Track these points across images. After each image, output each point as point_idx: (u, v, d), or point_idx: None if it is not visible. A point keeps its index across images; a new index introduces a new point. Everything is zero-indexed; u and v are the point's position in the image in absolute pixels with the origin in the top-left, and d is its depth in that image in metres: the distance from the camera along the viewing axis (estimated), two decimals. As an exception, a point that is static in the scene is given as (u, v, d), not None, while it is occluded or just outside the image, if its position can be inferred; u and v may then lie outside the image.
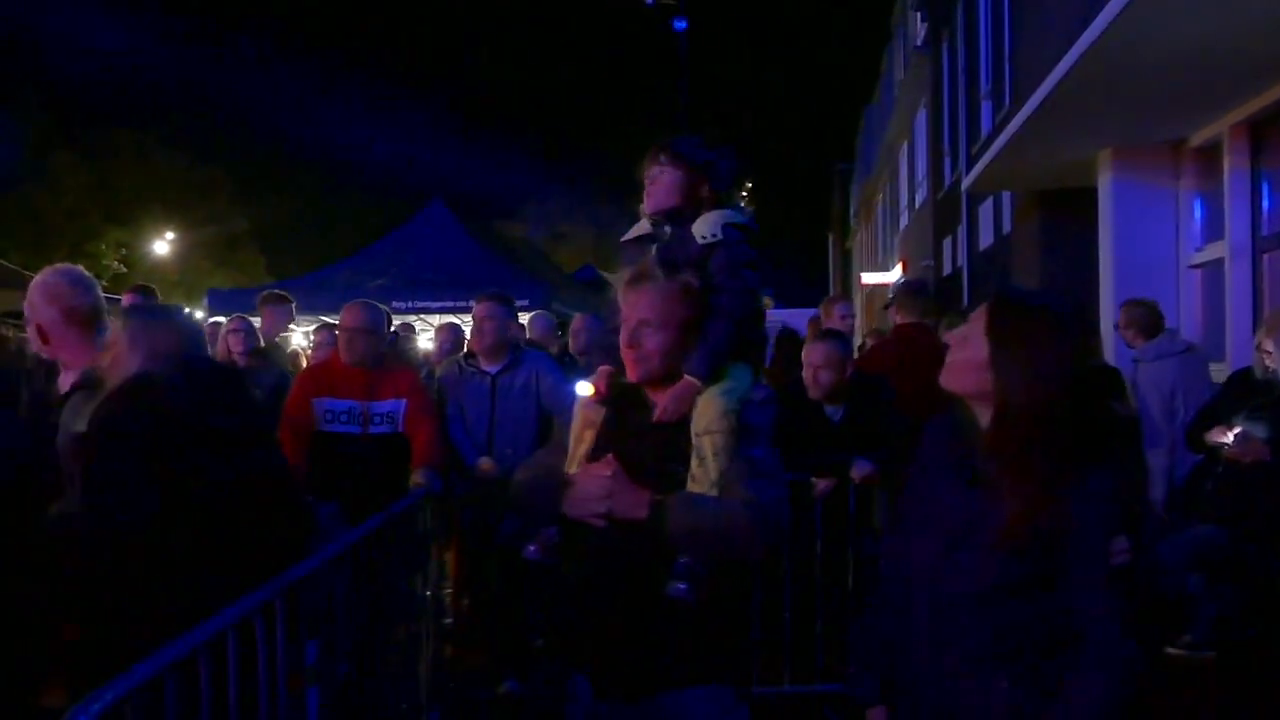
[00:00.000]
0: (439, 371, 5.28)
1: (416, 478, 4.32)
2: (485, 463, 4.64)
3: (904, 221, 26.78)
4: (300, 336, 12.92)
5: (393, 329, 7.52)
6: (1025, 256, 11.17)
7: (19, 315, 7.01)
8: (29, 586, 2.51)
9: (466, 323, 12.84)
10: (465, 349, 5.21)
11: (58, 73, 38.51)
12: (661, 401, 2.23)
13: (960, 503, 1.96)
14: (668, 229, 2.42)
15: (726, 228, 2.33)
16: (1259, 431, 4.39)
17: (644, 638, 2.15)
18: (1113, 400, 5.63)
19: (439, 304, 13.36)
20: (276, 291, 7.50)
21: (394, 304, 12.57)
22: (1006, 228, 12.94)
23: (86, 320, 2.88)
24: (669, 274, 2.23)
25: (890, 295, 6.71)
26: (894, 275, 26.17)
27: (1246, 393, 4.65)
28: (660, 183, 2.43)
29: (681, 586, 2.06)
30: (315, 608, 2.73)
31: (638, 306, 2.22)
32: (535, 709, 4.40)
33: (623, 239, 2.54)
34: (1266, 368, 4.59)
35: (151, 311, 2.64)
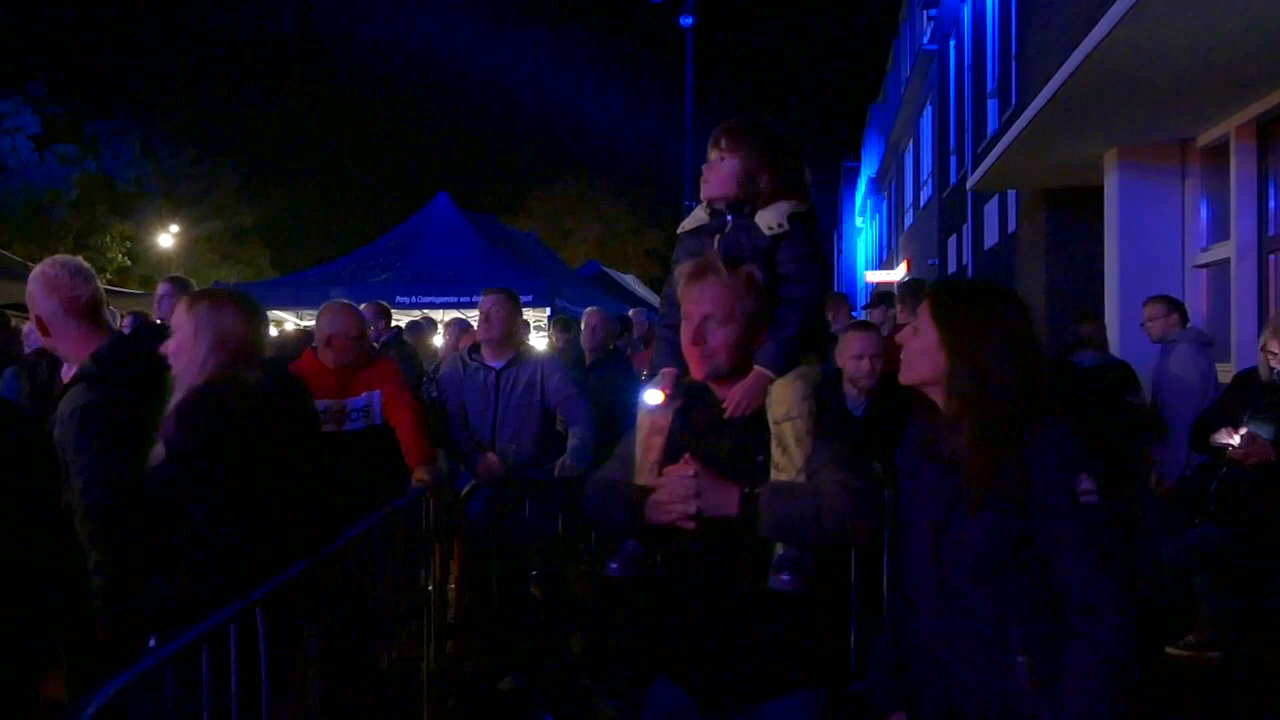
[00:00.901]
0: (442, 368, 5.27)
1: (419, 474, 4.32)
2: (491, 459, 4.63)
3: (909, 220, 26.75)
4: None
5: (395, 324, 7.53)
6: (1031, 255, 11.14)
7: (23, 307, 7.02)
8: (31, 579, 2.52)
9: (473, 318, 12.88)
10: (471, 342, 5.19)
11: (64, 65, 38.45)
12: (732, 396, 2.18)
13: (939, 486, 1.97)
14: (729, 219, 2.35)
15: (792, 218, 2.28)
16: (1264, 432, 4.37)
17: (749, 641, 2.11)
18: (1126, 394, 5.62)
19: (444, 299, 13.34)
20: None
21: (399, 299, 12.58)
22: (1012, 226, 12.92)
23: (87, 311, 2.88)
24: (732, 266, 2.18)
25: (867, 298, 6.68)
26: (899, 274, 26.14)
27: (1252, 394, 4.63)
28: (718, 170, 2.33)
29: (785, 578, 2.02)
30: (316, 602, 2.73)
31: (701, 301, 2.17)
32: (537, 704, 4.41)
33: (680, 229, 2.46)
34: (1272, 369, 4.58)
35: (221, 300, 2.62)
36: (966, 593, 1.92)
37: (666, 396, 2.26)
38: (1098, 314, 7.14)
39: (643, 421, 2.29)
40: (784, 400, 2.14)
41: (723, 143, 2.33)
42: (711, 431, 2.20)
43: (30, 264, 10.88)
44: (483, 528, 4.72)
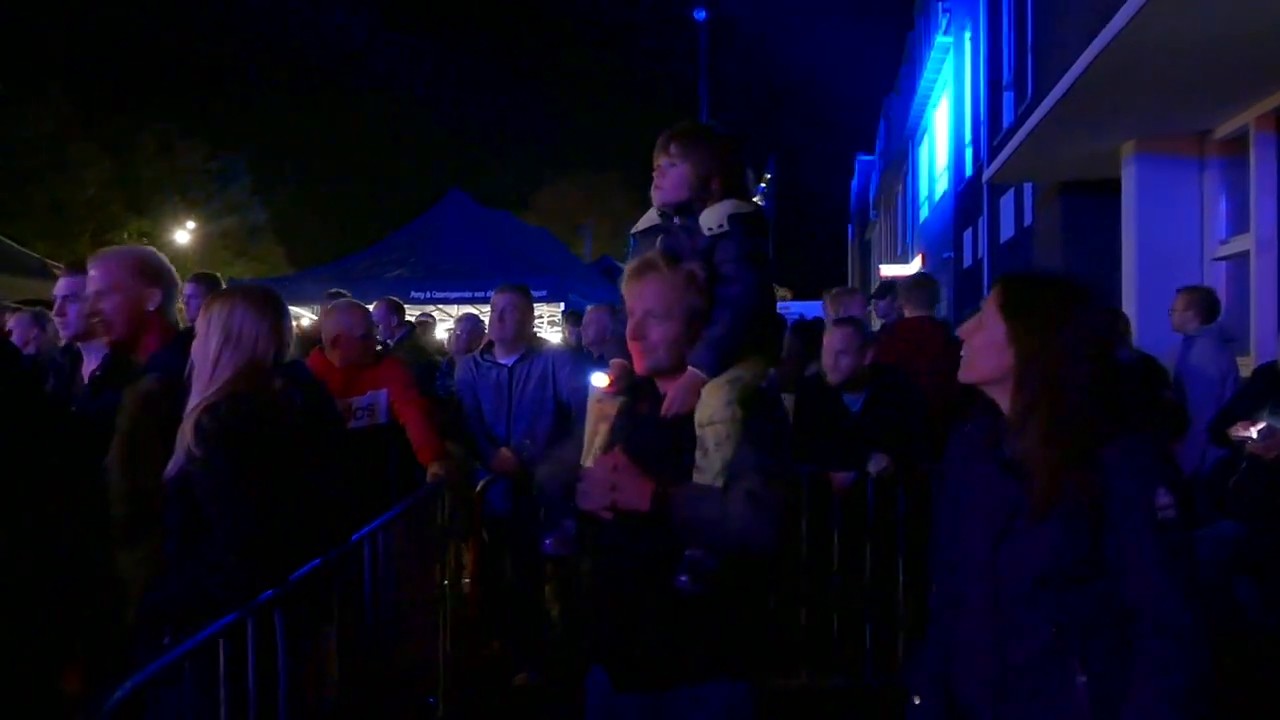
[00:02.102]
0: (456, 371, 5.28)
1: (434, 469, 4.33)
2: (505, 454, 4.65)
3: (924, 213, 26.64)
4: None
5: (406, 320, 7.52)
6: (1047, 248, 11.08)
7: (44, 303, 7.07)
8: (51, 573, 2.54)
9: (485, 313, 12.90)
10: (484, 341, 5.20)
11: (80, 63, 38.67)
12: (668, 395, 2.21)
13: (999, 492, 1.90)
14: (676, 220, 2.37)
15: (732, 218, 2.28)
16: (1284, 426, 4.34)
17: (657, 631, 2.15)
18: (1161, 390, 5.58)
19: (457, 294, 13.36)
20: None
21: (412, 294, 12.60)
22: (1028, 219, 12.85)
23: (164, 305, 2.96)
24: (673, 264, 2.21)
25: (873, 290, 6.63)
26: (913, 267, 26.05)
27: (1271, 387, 4.59)
28: (670, 176, 2.35)
29: (683, 579, 2.06)
30: (333, 596, 2.74)
31: (642, 297, 2.21)
32: (551, 699, 4.42)
33: (632, 230, 2.50)
34: (1292, 362, 4.54)
35: (232, 298, 2.62)
36: (1024, 607, 1.85)
37: (611, 383, 2.32)
38: (1117, 308, 7.11)
39: (593, 407, 2.35)
40: (709, 404, 2.16)
41: (672, 148, 2.35)
42: (649, 426, 2.24)
43: (50, 261, 10.97)
44: (498, 523, 4.74)
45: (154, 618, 2.41)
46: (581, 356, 5.50)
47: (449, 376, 6.16)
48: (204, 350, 2.52)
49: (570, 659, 2.48)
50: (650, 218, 2.45)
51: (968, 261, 18.71)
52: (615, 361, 2.36)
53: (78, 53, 38.98)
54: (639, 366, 2.24)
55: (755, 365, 2.27)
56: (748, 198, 2.38)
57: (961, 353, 1.98)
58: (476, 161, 54.02)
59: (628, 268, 2.29)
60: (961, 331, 2.02)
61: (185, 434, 2.39)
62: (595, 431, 2.31)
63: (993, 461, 1.94)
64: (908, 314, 5.83)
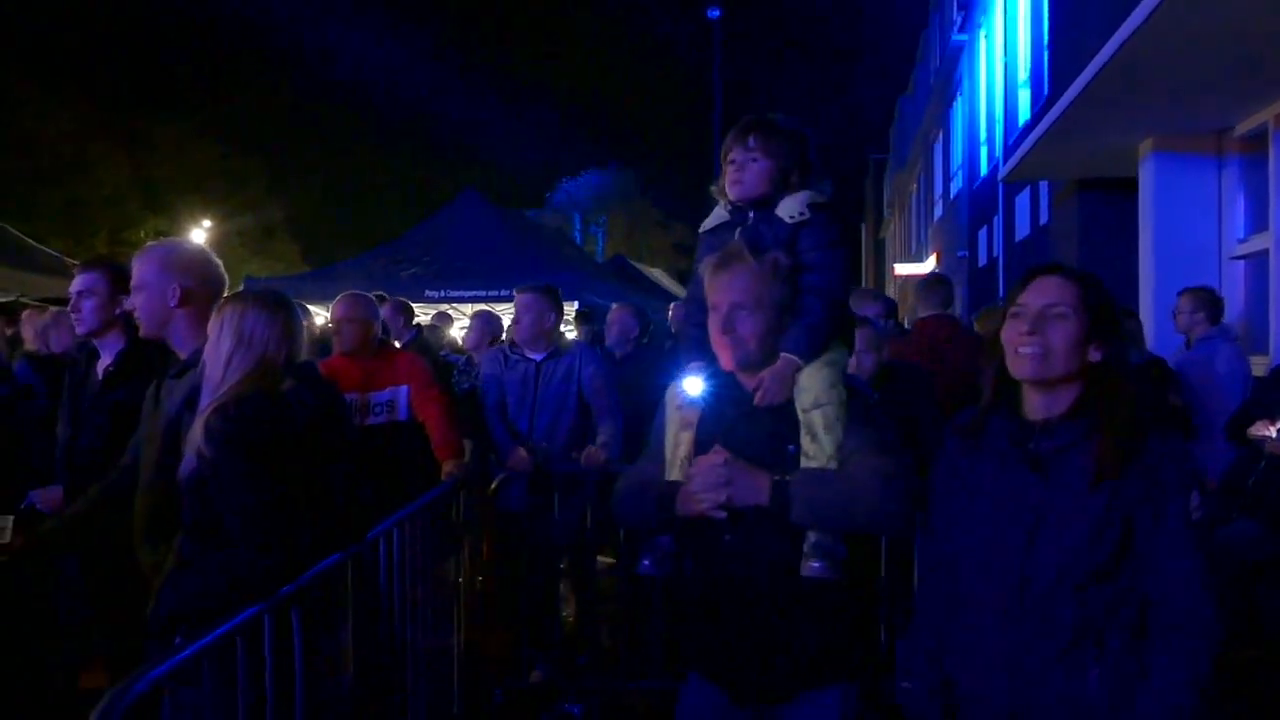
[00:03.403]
0: (482, 365, 5.29)
1: (449, 467, 4.34)
2: (521, 454, 4.66)
3: (938, 212, 26.53)
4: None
5: (417, 320, 7.54)
6: (1063, 247, 11.01)
7: (61, 300, 7.11)
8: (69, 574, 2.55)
9: (499, 310, 12.92)
10: (508, 338, 5.22)
11: (99, 63, 38.93)
12: (761, 383, 2.16)
13: (1027, 491, 1.90)
14: (751, 214, 2.32)
15: (813, 206, 2.26)
16: (1304, 425, 4.30)
17: (783, 634, 2.11)
18: (1170, 393, 5.54)
19: (471, 293, 13.39)
20: None
21: (426, 293, 12.64)
22: (1044, 218, 12.78)
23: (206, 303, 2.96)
24: (757, 255, 2.16)
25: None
26: (928, 266, 25.95)
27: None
28: (750, 170, 2.29)
29: (816, 565, 2.02)
30: (349, 593, 2.75)
31: (729, 290, 2.16)
32: (563, 696, 4.42)
33: (702, 229, 2.43)
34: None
35: (243, 301, 2.62)
36: (1053, 600, 1.86)
37: (693, 390, 2.25)
38: (1132, 309, 7.05)
39: (672, 418, 2.29)
40: (812, 387, 2.13)
41: (751, 142, 2.29)
42: (741, 422, 2.19)
43: (68, 259, 11.04)
44: (515, 520, 4.75)
45: (168, 617, 2.42)
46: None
47: (465, 374, 6.17)
48: (216, 353, 2.53)
49: (670, 670, 2.41)
50: (719, 215, 2.41)
51: (983, 260, 18.62)
52: (693, 366, 2.30)
53: (96, 52, 39.20)
54: (728, 361, 2.20)
55: (842, 350, 2.26)
56: (824, 187, 2.35)
57: (1027, 349, 1.92)
58: (491, 161, 54.09)
59: (709, 263, 2.23)
60: (1024, 325, 1.94)
61: (196, 434, 2.41)
62: (679, 441, 2.25)
63: (1020, 461, 1.93)
64: (921, 313, 5.80)
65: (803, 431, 2.12)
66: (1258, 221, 7.47)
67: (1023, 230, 14.53)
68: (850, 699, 2.13)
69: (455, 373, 6.23)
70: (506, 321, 12.09)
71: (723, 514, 2.08)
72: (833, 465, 2.07)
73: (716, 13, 16.35)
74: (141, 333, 2.96)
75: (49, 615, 4.02)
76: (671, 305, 7.00)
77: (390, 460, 4.37)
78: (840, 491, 2.03)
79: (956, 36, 21.13)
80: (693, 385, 2.25)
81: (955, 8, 21.64)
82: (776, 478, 2.05)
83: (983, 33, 18.68)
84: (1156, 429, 1.85)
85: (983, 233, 18.62)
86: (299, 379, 2.59)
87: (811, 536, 2.05)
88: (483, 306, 12.11)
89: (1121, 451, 1.82)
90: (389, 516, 3.22)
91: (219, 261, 3.09)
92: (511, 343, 4.97)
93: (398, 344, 6.41)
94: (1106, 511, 1.82)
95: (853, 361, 4.43)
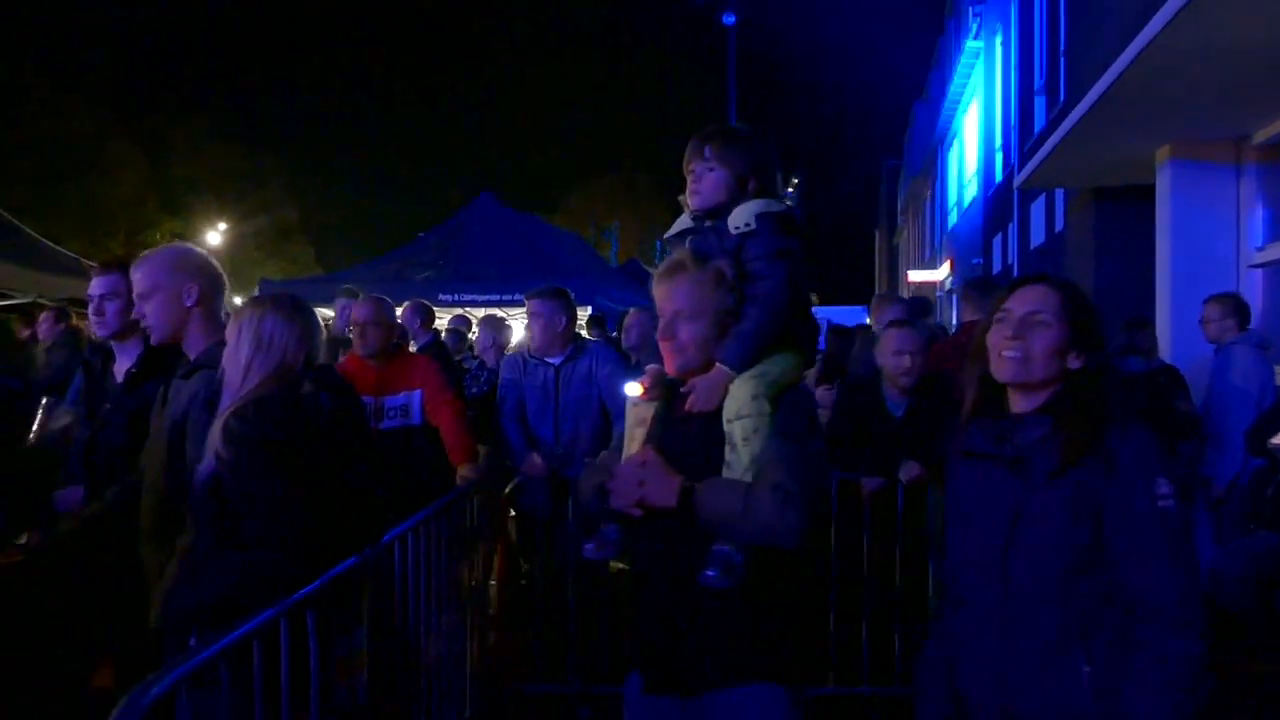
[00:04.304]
0: (501, 370, 5.30)
1: (464, 471, 4.35)
2: (535, 460, 4.66)
3: (953, 219, 26.47)
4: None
5: (434, 328, 7.56)
6: (1079, 255, 10.97)
7: (79, 302, 7.16)
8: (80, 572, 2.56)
9: (513, 315, 12.94)
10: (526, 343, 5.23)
11: (118, 63, 39.22)
12: (693, 391, 2.22)
13: (1005, 489, 1.96)
14: (708, 224, 2.37)
15: (760, 217, 2.28)
16: (1324, 437, 4.27)
17: (689, 631, 2.15)
18: (1175, 399, 5.51)
19: (485, 296, 13.42)
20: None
21: (441, 296, 12.68)
22: (1059, 225, 12.73)
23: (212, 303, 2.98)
24: (701, 263, 2.21)
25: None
26: (941, 273, 25.88)
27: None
28: (707, 180, 2.34)
29: (711, 573, 2.05)
30: (364, 596, 2.75)
31: (671, 297, 2.22)
32: (575, 702, 4.42)
33: (666, 235, 2.49)
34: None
35: (261, 306, 2.63)
36: (1034, 598, 1.90)
37: (645, 390, 2.34)
38: (1148, 319, 7.01)
39: (630, 413, 2.37)
40: (736, 398, 2.17)
41: (707, 152, 2.34)
42: (680, 426, 2.25)
43: (85, 260, 11.10)
44: (533, 524, 4.75)
45: (184, 619, 2.42)
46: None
47: (476, 378, 6.18)
48: (234, 357, 2.55)
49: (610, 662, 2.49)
50: (682, 222, 2.45)
51: (997, 267, 18.56)
52: (650, 367, 2.39)
53: (114, 53, 39.49)
54: (669, 367, 2.25)
55: (786, 361, 2.27)
56: (778, 196, 2.38)
57: (1010, 353, 1.99)
58: (506, 164, 54.24)
59: (657, 270, 2.31)
60: (1007, 330, 2.02)
61: (214, 437, 2.42)
62: (632, 437, 2.33)
63: (999, 461, 2.00)
64: (969, 316, 5.78)
65: (726, 441, 2.15)
66: (1276, 230, 7.42)
67: (1038, 238, 14.48)
68: (771, 699, 2.14)
69: (467, 376, 6.24)
70: (518, 325, 12.16)
71: (638, 512, 2.13)
72: (747, 477, 2.11)
73: (731, 19, 16.35)
74: (154, 339, 2.95)
75: (59, 614, 4.04)
76: (630, 311, 6.93)
77: (405, 464, 4.38)
78: (739, 503, 2.06)
79: (971, 43, 21.09)
80: (633, 388, 2.36)
81: (970, 14, 21.60)
82: (687, 484, 2.09)
83: (998, 39, 18.64)
84: (1118, 421, 1.90)
85: (997, 240, 18.56)
86: (317, 382, 2.60)
87: (714, 544, 2.09)
88: (496, 311, 12.15)
89: (1079, 440, 1.87)
90: (404, 520, 3.23)
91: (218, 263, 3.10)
92: (530, 350, 4.98)
93: (414, 345, 6.43)
94: (1073, 503, 1.86)
95: (899, 364, 4.44)
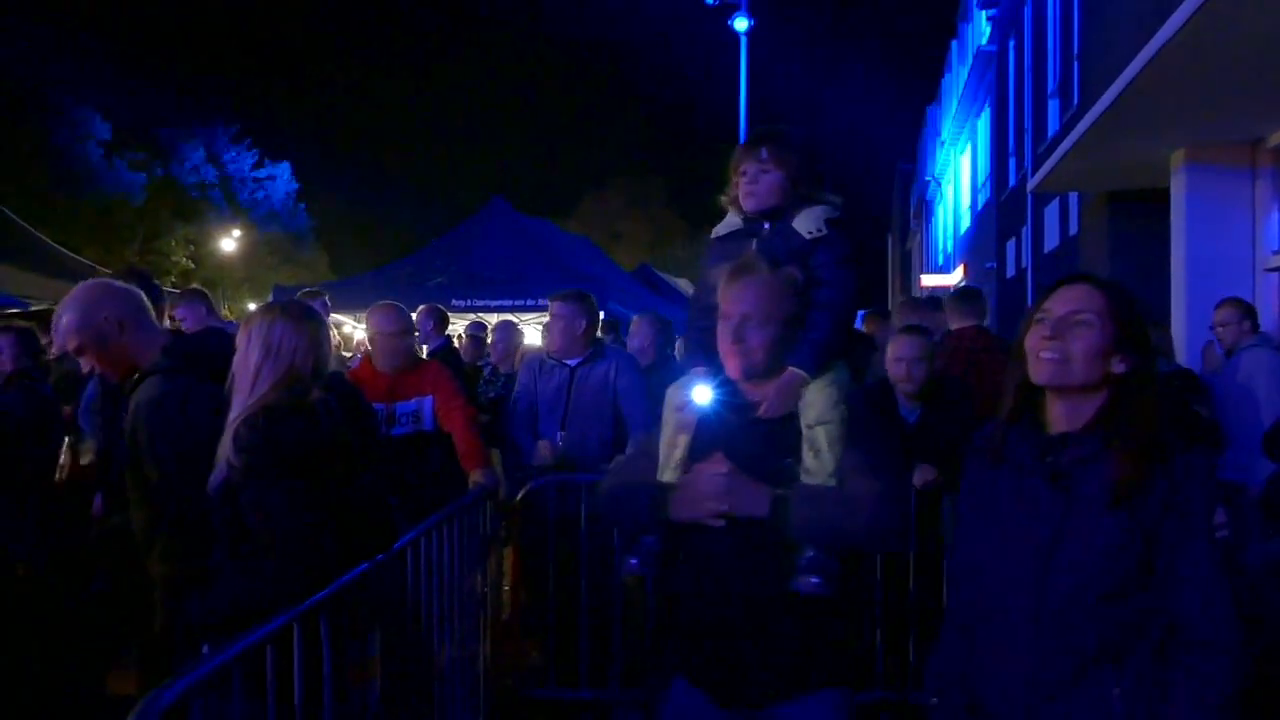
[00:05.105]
0: (519, 368, 5.32)
1: (475, 476, 4.35)
2: (543, 445, 4.67)
3: (966, 223, 26.38)
4: (361, 333, 13.11)
5: (446, 334, 7.59)
6: (1093, 258, 10.92)
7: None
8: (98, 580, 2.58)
9: (525, 320, 12.94)
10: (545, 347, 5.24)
11: (134, 72, 39.52)
12: (766, 395, 2.19)
13: (1048, 504, 1.88)
14: (765, 225, 2.36)
15: (830, 223, 2.30)
16: (1342, 441, 4.23)
17: (771, 640, 2.12)
18: (1194, 403, 5.46)
19: (498, 302, 13.45)
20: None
21: (453, 302, 12.70)
22: (1073, 229, 12.68)
23: (142, 317, 2.98)
24: (773, 268, 2.19)
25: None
26: (955, 278, 25.79)
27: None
28: (762, 183, 2.34)
29: (814, 580, 2.04)
30: (377, 602, 2.75)
31: (741, 300, 2.17)
32: (589, 709, 4.41)
33: (714, 235, 2.47)
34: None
35: (271, 314, 2.63)
36: (1069, 617, 1.83)
37: (699, 394, 2.27)
38: (1162, 320, 6.97)
39: (669, 419, 2.31)
40: (818, 404, 2.16)
41: (764, 154, 2.33)
42: (742, 432, 2.20)
43: (101, 268, 11.19)
44: (544, 530, 4.75)
45: (199, 625, 2.43)
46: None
47: (491, 383, 6.19)
48: (244, 364, 2.55)
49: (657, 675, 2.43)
50: (732, 223, 2.44)
51: (1010, 271, 18.50)
52: (697, 370, 2.32)
53: (131, 61, 39.77)
54: (735, 370, 2.21)
55: (845, 368, 2.28)
56: (837, 203, 2.39)
57: (1048, 354, 1.88)
58: (518, 168, 54.38)
59: (725, 271, 2.25)
60: (1045, 330, 1.91)
61: (225, 444, 2.42)
62: (675, 444, 2.27)
63: (1039, 474, 1.91)
64: (954, 325, 5.76)
65: (806, 447, 2.14)
66: (1292, 234, 7.38)
67: (1051, 241, 14.42)
68: (840, 705, 2.14)
69: (481, 381, 6.25)
70: (531, 331, 12.18)
71: (721, 522, 2.10)
72: (831, 482, 2.10)
73: (744, 25, 16.34)
74: (111, 380, 2.98)
75: (78, 621, 4.07)
76: (634, 318, 6.97)
77: (417, 470, 4.38)
78: (838, 509, 2.06)
79: (985, 47, 21.04)
80: (701, 393, 2.26)
81: (983, 18, 21.54)
82: (778, 492, 2.07)
83: (1011, 43, 18.59)
84: (1181, 445, 1.82)
85: (1010, 244, 18.49)
86: (327, 389, 2.60)
87: (808, 551, 2.07)
88: (508, 316, 12.16)
89: (1141, 467, 1.79)
90: (416, 526, 3.23)
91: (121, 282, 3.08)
92: (549, 351, 4.99)
93: (425, 348, 6.44)
94: (1126, 528, 1.79)
95: (902, 370, 4.43)
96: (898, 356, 4.40)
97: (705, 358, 2.31)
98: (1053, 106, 14.30)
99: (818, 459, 2.12)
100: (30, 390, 4.11)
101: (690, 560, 2.20)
